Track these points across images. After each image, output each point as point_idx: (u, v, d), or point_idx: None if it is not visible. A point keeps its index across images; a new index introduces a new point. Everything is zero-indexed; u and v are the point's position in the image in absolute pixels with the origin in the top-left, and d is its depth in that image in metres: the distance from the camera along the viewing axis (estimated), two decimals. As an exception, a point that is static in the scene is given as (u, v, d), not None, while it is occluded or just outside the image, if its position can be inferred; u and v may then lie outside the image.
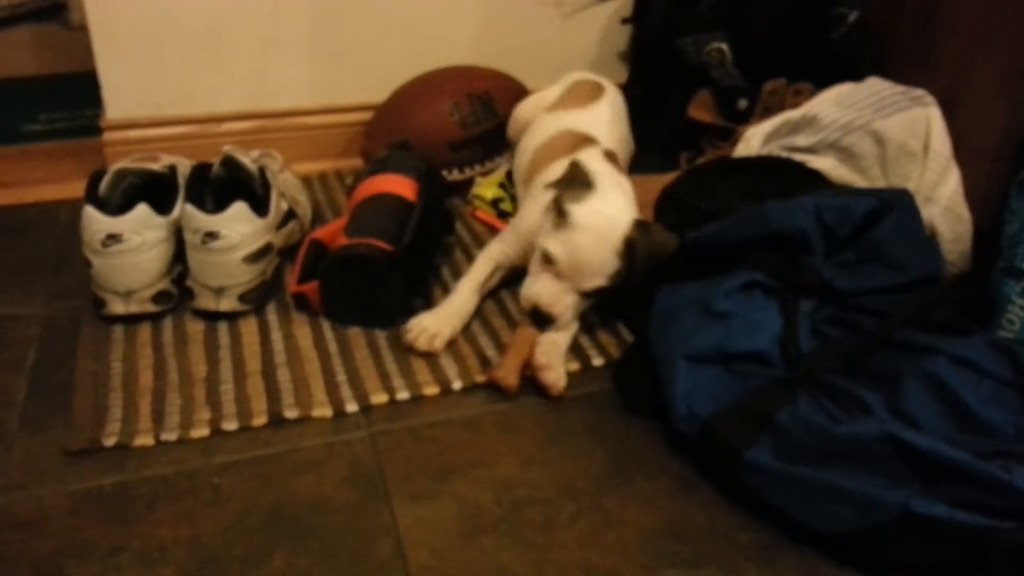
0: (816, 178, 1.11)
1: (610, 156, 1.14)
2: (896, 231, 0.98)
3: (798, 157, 1.14)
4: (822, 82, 1.24)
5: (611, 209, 1.01)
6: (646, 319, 0.98)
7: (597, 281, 1.00)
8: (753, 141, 1.17)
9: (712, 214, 1.04)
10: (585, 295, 1.01)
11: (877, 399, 0.82)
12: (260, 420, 0.92)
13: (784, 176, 1.11)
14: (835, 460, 0.77)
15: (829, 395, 0.82)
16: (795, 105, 1.22)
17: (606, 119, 1.23)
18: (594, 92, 1.26)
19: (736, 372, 0.88)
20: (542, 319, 1.01)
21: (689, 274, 0.99)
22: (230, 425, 0.91)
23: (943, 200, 1.10)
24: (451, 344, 1.04)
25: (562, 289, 1.00)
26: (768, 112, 1.25)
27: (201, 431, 0.90)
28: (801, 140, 1.15)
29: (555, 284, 1.01)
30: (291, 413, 0.93)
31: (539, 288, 1.01)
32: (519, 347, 0.99)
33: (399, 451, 0.90)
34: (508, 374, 0.96)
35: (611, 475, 0.87)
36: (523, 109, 1.35)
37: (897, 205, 0.99)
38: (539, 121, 1.26)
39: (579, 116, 1.21)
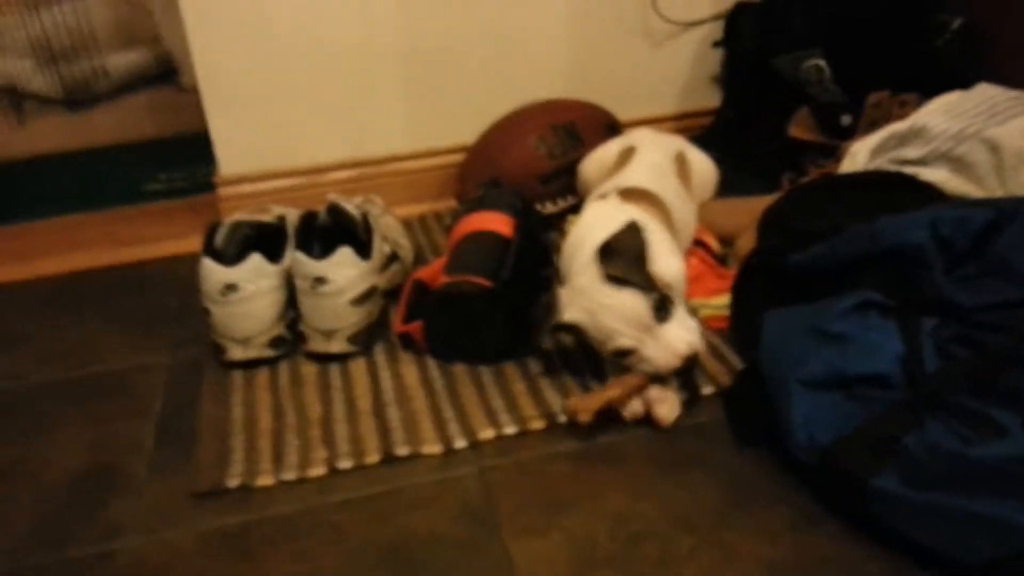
0: (928, 191, 1.07)
1: (630, 194, 1.14)
2: (1019, 242, 0.92)
3: (908, 170, 1.10)
4: (928, 92, 1.20)
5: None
6: (755, 346, 0.96)
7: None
8: (859, 156, 1.13)
9: (819, 234, 1.01)
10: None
11: (1012, 419, 0.77)
12: (373, 458, 0.94)
13: (894, 191, 1.07)
14: (969, 485, 0.73)
15: (958, 417, 0.78)
16: (901, 117, 1.18)
17: (641, 168, 1.22)
18: (625, 156, 1.26)
19: (857, 397, 0.84)
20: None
21: (797, 298, 0.96)
22: (345, 464, 0.93)
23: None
24: (557, 383, 1.04)
25: None
26: (873, 126, 1.21)
27: (318, 470, 0.93)
28: (910, 152, 1.11)
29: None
30: (402, 451, 0.94)
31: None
32: (615, 385, 0.96)
33: (508, 485, 0.89)
34: (580, 402, 0.94)
35: (727, 507, 0.85)
36: (587, 165, 1.35)
37: (1018, 214, 0.94)
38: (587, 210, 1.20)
39: (615, 181, 1.20)
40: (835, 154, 1.25)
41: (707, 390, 1.01)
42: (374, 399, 1.03)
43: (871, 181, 1.11)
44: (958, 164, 1.09)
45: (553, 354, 1.07)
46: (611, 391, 0.95)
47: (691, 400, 0.98)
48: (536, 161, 1.39)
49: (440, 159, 1.53)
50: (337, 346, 1.09)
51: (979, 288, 0.91)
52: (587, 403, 0.94)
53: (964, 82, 1.19)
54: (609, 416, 0.95)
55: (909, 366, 0.84)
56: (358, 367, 1.09)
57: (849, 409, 0.84)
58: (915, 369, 0.84)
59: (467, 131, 1.48)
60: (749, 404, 0.95)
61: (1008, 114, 1.08)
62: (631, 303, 0.94)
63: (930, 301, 0.90)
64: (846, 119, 1.25)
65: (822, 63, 1.27)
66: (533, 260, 1.18)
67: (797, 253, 0.99)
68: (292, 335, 1.12)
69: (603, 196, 1.17)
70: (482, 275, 1.07)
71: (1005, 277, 0.91)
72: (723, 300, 1.13)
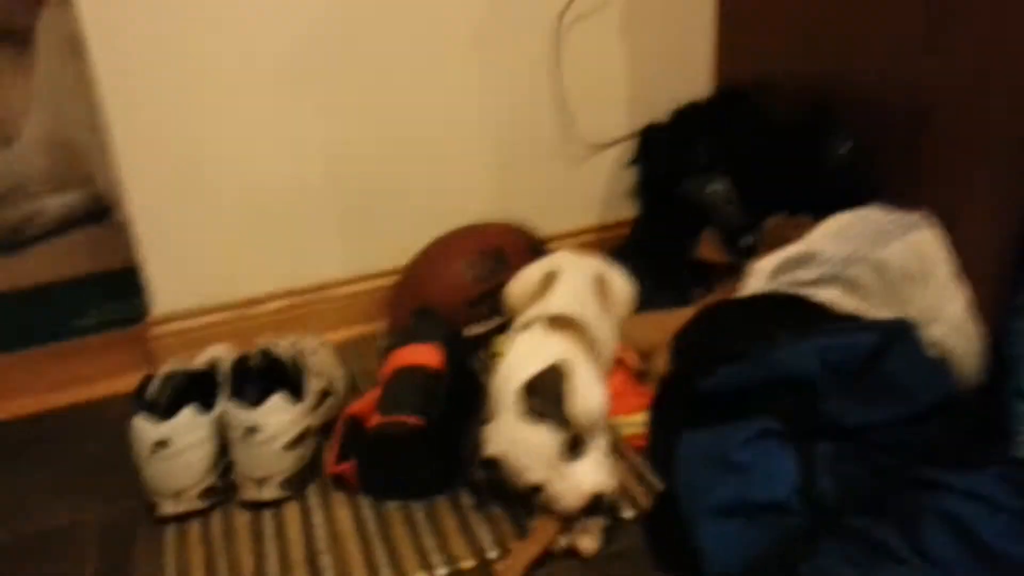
0: (821, 311, 1.14)
1: (555, 321, 1.18)
2: (903, 362, 1.00)
3: (804, 291, 1.18)
4: (823, 212, 1.28)
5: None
6: (671, 468, 1.01)
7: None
8: (759, 278, 1.21)
9: (724, 357, 1.07)
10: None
11: (899, 541, 0.82)
12: (306, 613, 0.96)
13: (792, 311, 1.15)
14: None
15: (850, 541, 0.83)
16: (797, 238, 1.26)
17: (564, 293, 1.27)
18: (548, 280, 1.31)
19: (760, 524, 0.89)
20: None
21: (707, 420, 1.02)
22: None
23: (951, 319, 1.12)
24: (488, 517, 1.08)
25: None
26: (772, 247, 1.29)
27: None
28: (804, 274, 1.19)
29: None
30: (335, 604, 0.97)
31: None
32: (536, 539, 1.00)
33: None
34: (508, 570, 0.98)
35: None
36: (512, 289, 1.39)
37: (900, 335, 1.02)
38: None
39: (540, 307, 1.25)
40: (739, 273, 1.32)
41: (629, 513, 1.05)
42: (307, 547, 1.05)
43: (769, 302, 1.18)
44: (848, 285, 1.17)
45: (482, 487, 1.11)
46: (532, 547, 0.99)
47: (612, 526, 1.02)
48: (464, 286, 1.43)
49: (374, 282, 1.56)
50: (270, 492, 1.11)
51: (869, 409, 0.98)
52: (512, 571, 0.97)
53: (854, 202, 1.28)
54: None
55: (805, 492, 0.90)
56: (291, 512, 1.11)
57: (753, 536, 0.89)
58: (810, 495, 0.90)
59: (399, 254, 1.51)
60: (668, 529, 1.00)
61: (892, 235, 1.17)
62: (541, 440, 0.99)
63: (824, 426, 0.96)
64: (747, 240, 1.33)
65: (724, 187, 1.36)
66: (463, 392, 1.22)
67: (704, 379, 1.05)
68: (224, 483, 1.13)
69: (529, 324, 1.22)
70: (414, 413, 1.10)
71: (892, 396, 0.99)
72: (643, 417, 1.18)
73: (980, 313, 1.13)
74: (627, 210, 1.68)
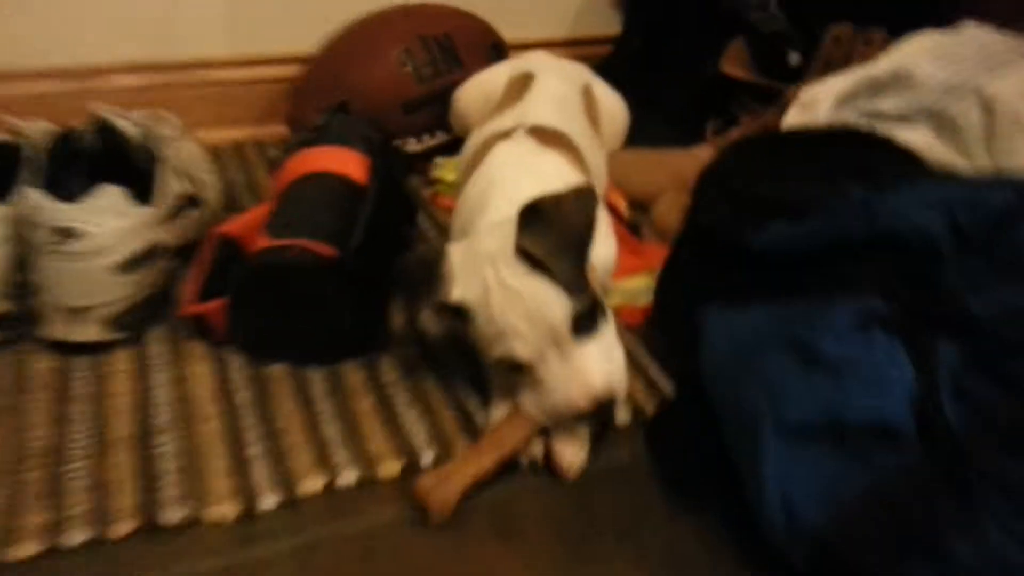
0: (911, 157, 0.82)
1: (542, 134, 0.84)
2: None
3: (882, 127, 0.85)
4: (896, 29, 0.96)
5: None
6: (691, 354, 0.69)
7: None
8: (821, 106, 0.88)
9: (780, 205, 0.74)
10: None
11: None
12: (125, 526, 0.60)
13: (866, 153, 0.82)
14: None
15: (1009, 497, 0.54)
16: (865, 57, 0.93)
17: (544, 101, 0.92)
18: (520, 85, 0.96)
19: (854, 452, 0.58)
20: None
21: (754, 289, 0.70)
22: (76, 536, 0.59)
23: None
24: (419, 398, 0.73)
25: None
26: (829, 67, 0.96)
27: (31, 545, 0.58)
28: (888, 104, 0.86)
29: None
30: (173, 514, 0.61)
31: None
32: (492, 446, 0.65)
33: (342, 573, 0.59)
34: (433, 489, 0.63)
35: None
36: (467, 92, 1.05)
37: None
38: (475, 150, 0.90)
39: (511, 117, 0.90)
40: (777, 100, 0.99)
41: (623, 417, 0.73)
42: (140, 418, 0.69)
43: (836, 139, 0.85)
44: (945, 125, 0.85)
45: (430, 344, 0.76)
46: (478, 460, 0.64)
47: (602, 432, 0.70)
48: (400, 83, 1.09)
49: (268, 70, 1.20)
50: (88, 332, 0.74)
51: (997, 293, 0.67)
52: (443, 491, 0.63)
53: (940, 20, 0.95)
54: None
55: (926, 415, 0.59)
56: (121, 363, 0.75)
57: (845, 470, 0.58)
58: (934, 418, 0.59)
59: (306, 36, 1.15)
60: (684, 440, 0.69)
61: (1005, 65, 0.86)
62: (546, 299, 0.63)
63: (946, 313, 0.65)
64: (795, 57, 0.99)
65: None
66: (393, 217, 0.87)
67: (759, 230, 0.72)
68: (20, 311, 0.76)
69: (505, 135, 0.85)
70: (322, 238, 0.75)
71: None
72: (639, 282, 0.86)
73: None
74: (608, 24, 1.38)
